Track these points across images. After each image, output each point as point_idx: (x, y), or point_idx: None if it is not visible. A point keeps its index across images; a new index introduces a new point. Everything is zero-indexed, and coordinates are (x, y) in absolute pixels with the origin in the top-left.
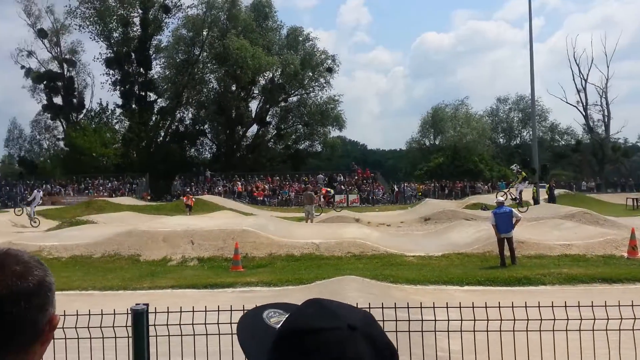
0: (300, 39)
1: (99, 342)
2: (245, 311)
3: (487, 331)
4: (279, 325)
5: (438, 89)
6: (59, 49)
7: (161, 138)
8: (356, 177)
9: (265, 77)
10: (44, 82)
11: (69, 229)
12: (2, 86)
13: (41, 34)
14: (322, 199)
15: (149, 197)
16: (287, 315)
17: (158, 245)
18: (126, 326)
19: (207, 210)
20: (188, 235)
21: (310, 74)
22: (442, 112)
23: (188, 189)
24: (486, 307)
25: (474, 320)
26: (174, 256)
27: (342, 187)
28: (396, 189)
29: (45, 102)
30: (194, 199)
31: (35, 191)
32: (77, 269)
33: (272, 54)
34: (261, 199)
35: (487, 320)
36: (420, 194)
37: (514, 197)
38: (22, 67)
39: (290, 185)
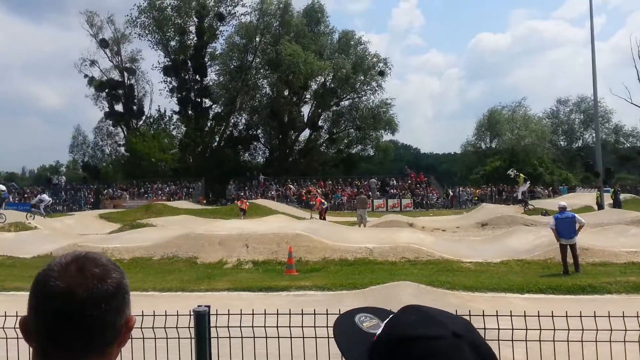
0: (352, 42)
1: (162, 342)
2: (340, 315)
3: (553, 341)
4: (376, 330)
5: (494, 91)
6: (119, 58)
7: (216, 143)
8: (409, 182)
9: (317, 82)
10: (106, 90)
11: (130, 231)
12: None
13: (103, 43)
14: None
15: (204, 201)
16: (378, 320)
17: (214, 248)
18: (189, 327)
19: (260, 214)
20: (243, 238)
21: (362, 77)
22: (499, 115)
23: (242, 193)
24: (552, 316)
25: (540, 329)
26: (229, 259)
27: (395, 191)
28: (451, 194)
29: (107, 109)
30: (247, 203)
31: (45, 195)
32: (137, 270)
33: (323, 59)
34: (314, 203)
35: (554, 329)
36: (476, 198)
37: (519, 199)
38: (85, 76)
39: (342, 189)
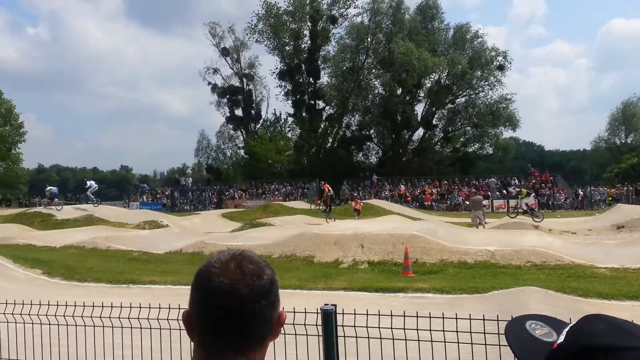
0: (468, 36)
1: (290, 338)
2: (510, 320)
3: None
4: (549, 338)
5: (629, 82)
6: (239, 65)
7: (329, 144)
8: (533, 181)
9: (431, 79)
10: (227, 96)
11: (250, 230)
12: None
13: (224, 52)
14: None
15: (319, 201)
16: (550, 329)
17: (330, 247)
18: (316, 325)
19: (374, 215)
20: (358, 239)
21: (479, 73)
22: (635, 107)
23: (356, 194)
24: None
25: None
26: (345, 259)
27: (517, 190)
28: (581, 193)
29: (228, 114)
30: (362, 203)
31: (92, 181)
32: None
33: (437, 55)
34: (429, 203)
35: None
36: (610, 198)
37: (523, 210)
38: (209, 83)
39: (459, 189)
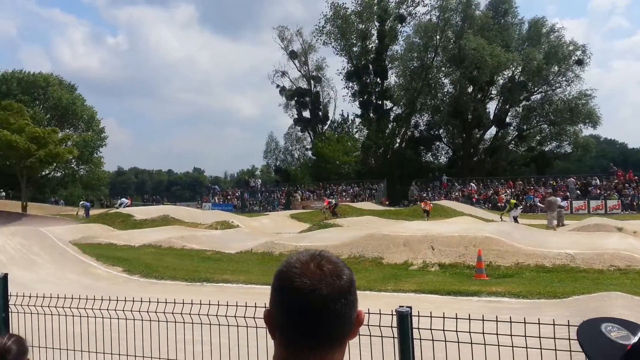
0: (544, 31)
1: (365, 339)
2: (584, 321)
3: None
4: (626, 341)
5: None
6: (307, 68)
7: (397, 144)
8: (616, 181)
9: (504, 76)
10: (295, 99)
11: (319, 231)
12: (262, 104)
13: (292, 55)
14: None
15: (387, 202)
16: (627, 332)
17: (399, 249)
18: (391, 327)
19: (444, 216)
20: (428, 240)
21: (556, 68)
22: None
23: (425, 194)
24: None
25: None
26: (414, 260)
27: (598, 191)
28: None
29: (295, 116)
30: (431, 204)
31: (124, 199)
32: None
33: (511, 51)
34: (502, 204)
35: None
36: None
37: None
38: (277, 86)
39: (535, 190)
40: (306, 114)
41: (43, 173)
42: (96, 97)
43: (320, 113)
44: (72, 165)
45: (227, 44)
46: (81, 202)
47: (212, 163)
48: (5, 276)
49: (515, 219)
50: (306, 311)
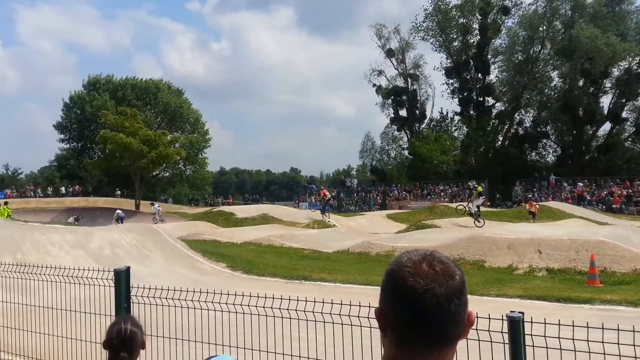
0: None
1: (473, 343)
2: None
3: None
4: None
5: None
6: (404, 66)
7: (499, 142)
8: None
9: (620, 68)
10: (391, 97)
11: (416, 231)
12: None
13: (389, 53)
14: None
15: (488, 203)
16: None
17: (502, 252)
18: (501, 332)
19: (552, 218)
20: (534, 243)
21: None
22: None
23: (530, 195)
24: None
25: None
26: (519, 265)
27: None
28: None
29: (392, 115)
30: (537, 206)
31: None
32: None
33: (627, 41)
34: (617, 206)
35: None
36: None
37: (472, 211)
38: (374, 85)
39: None
40: (403, 112)
41: (154, 173)
42: (201, 101)
43: (417, 111)
44: (180, 166)
45: (323, 45)
46: (117, 211)
47: (309, 163)
48: (128, 269)
49: (478, 208)
50: (420, 311)
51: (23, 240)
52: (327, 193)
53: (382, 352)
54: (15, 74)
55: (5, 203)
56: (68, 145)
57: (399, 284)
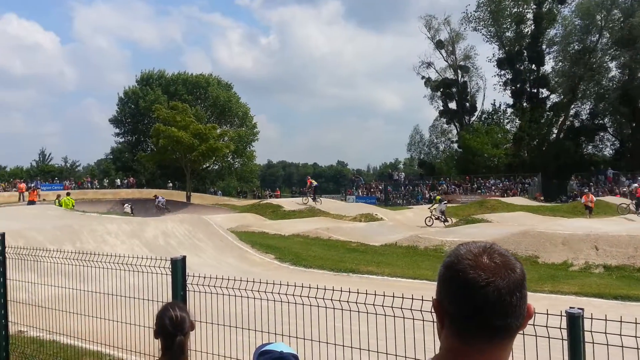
0: None
1: (530, 339)
2: None
3: None
4: None
5: None
6: (454, 57)
7: (554, 135)
8: None
9: None
10: (441, 90)
11: (466, 226)
12: (406, 97)
13: (439, 45)
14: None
15: (541, 198)
16: None
17: (557, 248)
18: (560, 328)
19: (609, 214)
20: (591, 239)
21: None
22: None
23: (586, 189)
24: None
25: None
26: (575, 261)
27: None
28: None
29: (441, 108)
30: (594, 200)
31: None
32: None
33: None
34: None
35: None
36: None
37: (437, 217)
38: (422, 77)
39: None
40: (452, 105)
41: (204, 166)
42: (249, 95)
43: (467, 104)
44: (229, 159)
45: (371, 37)
46: (159, 198)
47: (355, 156)
48: (184, 258)
49: (443, 213)
50: (482, 304)
51: (82, 229)
52: (313, 181)
53: (438, 344)
54: (73, 70)
55: (68, 194)
56: (123, 139)
57: (458, 277)
